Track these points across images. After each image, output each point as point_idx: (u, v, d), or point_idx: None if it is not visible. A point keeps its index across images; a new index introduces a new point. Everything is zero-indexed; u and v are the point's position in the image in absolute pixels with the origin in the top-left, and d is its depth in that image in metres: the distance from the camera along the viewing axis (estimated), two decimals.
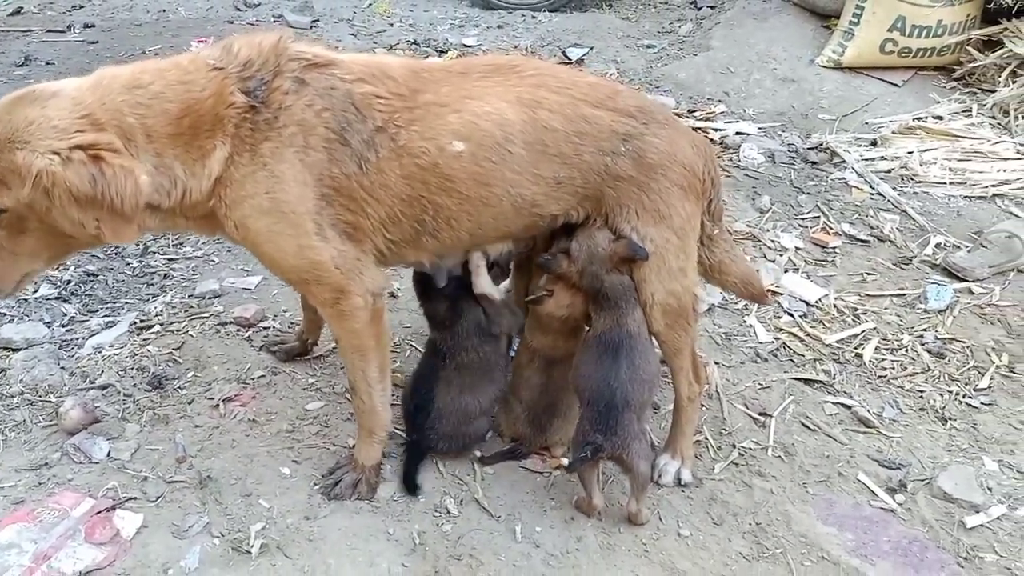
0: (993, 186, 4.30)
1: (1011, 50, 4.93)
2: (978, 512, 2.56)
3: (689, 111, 5.01)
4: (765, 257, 3.72)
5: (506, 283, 2.78)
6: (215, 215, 2.14)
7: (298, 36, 2.30)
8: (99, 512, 2.32)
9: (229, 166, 2.07)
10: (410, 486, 2.49)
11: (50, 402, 2.75)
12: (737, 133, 4.77)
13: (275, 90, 2.08)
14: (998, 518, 2.55)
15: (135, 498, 2.40)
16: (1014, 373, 3.13)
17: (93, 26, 6.37)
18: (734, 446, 2.75)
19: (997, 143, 4.60)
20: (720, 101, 5.16)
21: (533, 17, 6.54)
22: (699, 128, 4.70)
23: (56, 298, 3.32)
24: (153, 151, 2.00)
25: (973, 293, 3.54)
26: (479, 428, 2.61)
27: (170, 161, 2.03)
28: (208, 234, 2.29)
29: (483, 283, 2.55)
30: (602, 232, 2.40)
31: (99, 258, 3.60)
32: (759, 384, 3.03)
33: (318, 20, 6.44)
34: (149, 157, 2.01)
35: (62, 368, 2.91)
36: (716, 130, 4.79)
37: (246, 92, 2.06)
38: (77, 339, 3.09)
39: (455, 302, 2.56)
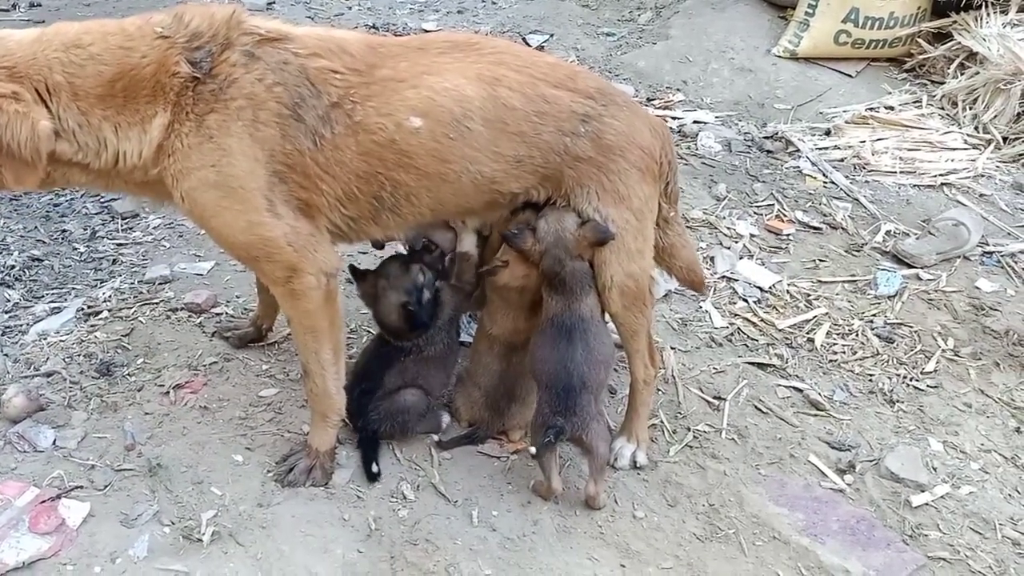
0: (941, 175, 4.39)
1: (959, 43, 5.02)
2: (923, 491, 2.64)
3: (648, 99, 5.03)
4: (721, 244, 3.76)
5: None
6: (163, 184, 2.12)
7: (254, 13, 2.26)
8: (44, 501, 2.26)
9: (171, 135, 2.06)
10: (369, 474, 2.47)
11: None
12: (695, 122, 4.79)
13: (222, 62, 2.06)
14: (942, 497, 2.63)
15: (82, 487, 2.35)
16: (959, 357, 3.22)
17: (39, 5, 6.17)
18: (689, 429, 2.79)
19: (945, 133, 4.70)
20: (678, 90, 5.19)
21: (494, 3, 6.50)
22: (657, 116, 4.72)
23: None
24: (77, 109, 2.02)
25: (921, 279, 3.62)
26: (419, 404, 2.57)
27: (97, 121, 2.04)
28: (159, 203, 2.30)
29: (468, 243, 2.63)
30: (570, 215, 2.40)
31: (45, 243, 3.50)
32: (714, 368, 3.07)
33: (274, 1, 6.32)
34: (72, 114, 2.02)
35: (5, 355, 2.83)
36: (674, 119, 4.81)
37: (192, 62, 2.04)
38: (21, 325, 3.01)
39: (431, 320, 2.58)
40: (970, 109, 4.80)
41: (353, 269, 2.67)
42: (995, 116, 4.68)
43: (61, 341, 2.89)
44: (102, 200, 3.76)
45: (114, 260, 3.40)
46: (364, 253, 3.45)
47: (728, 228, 3.87)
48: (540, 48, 5.59)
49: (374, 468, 2.47)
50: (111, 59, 2.03)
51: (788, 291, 3.50)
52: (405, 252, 2.69)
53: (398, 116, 2.16)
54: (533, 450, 2.38)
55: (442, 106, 2.18)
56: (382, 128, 2.15)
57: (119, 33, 2.07)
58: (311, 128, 2.11)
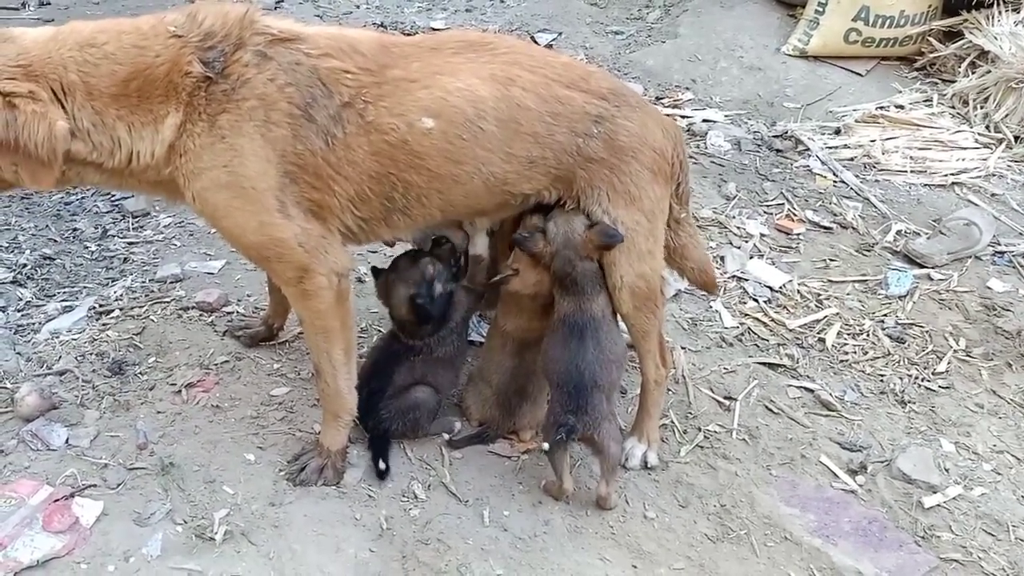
0: (952, 174, 4.37)
1: (971, 41, 4.99)
2: (935, 492, 2.63)
3: (657, 98, 5.02)
4: (731, 243, 3.75)
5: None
6: (176, 183, 2.12)
7: (266, 12, 2.26)
8: (57, 500, 2.27)
9: (183, 135, 2.06)
10: (377, 471, 2.48)
11: (5, 388, 2.67)
12: (704, 120, 4.78)
13: (234, 62, 2.06)
14: (954, 498, 2.62)
15: (95, 485, 2.36)
16: (971, 357, 3.21)
17: (49, 3, 6.18)
18: (700, 429, 2.78)
19: (956, 132, 4.68)
20: (687, 88, 5.17)
21: (502, 1, 6.50)
22: (667, 115, 4.71)
23: (11, 282, 3.23)
24: (92, 108, 2.02)
25: (932, 279, 3.61)
26: (430, 401, 2.57)
27: (111, 121, 2.04)
28: (172, 202, 2.30)
29: (480, 245, 2.62)
30: (579, 217, 2.40)
31: (56, 241, 3.51)
32: (724, 368, 3.06)
33: (283, 0, 6.32)
34: (87, 114, 2.02)
35: (18, 354, 2.84)
36: (683, 117, 4.80)
37: (204, 62, 2.04)
38: (33, 324, 3.01)
39: (443, 318, 2.58)
40: (981, 108, 4.77)
41: (375, 270, 2.68)
42: (1006, 115, 4.65)
43: (73, 340, 2.90)
44: (113, 199, 3.77)
45: (125, 259, 3.40)
46: (374, 252, 3.46)
47: (738, 227, 3.86)
48: (548, 47, 5.59)
49: (381, 465, 2.47)
50: (125, 58, 2.03)
51: (798, 291, 3.49)
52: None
53: (410, 117, 2.15)
54: (546, 446, 2.38)
55: (455, 107, 2.17)
56: (394, 129, 2.15)
57: (133, 32, 2.07)
58: (323, 128, 2.11)
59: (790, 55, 5.28)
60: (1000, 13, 4.96)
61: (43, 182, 2.04)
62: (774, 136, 4.66)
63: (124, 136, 2.06)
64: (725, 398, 2.93)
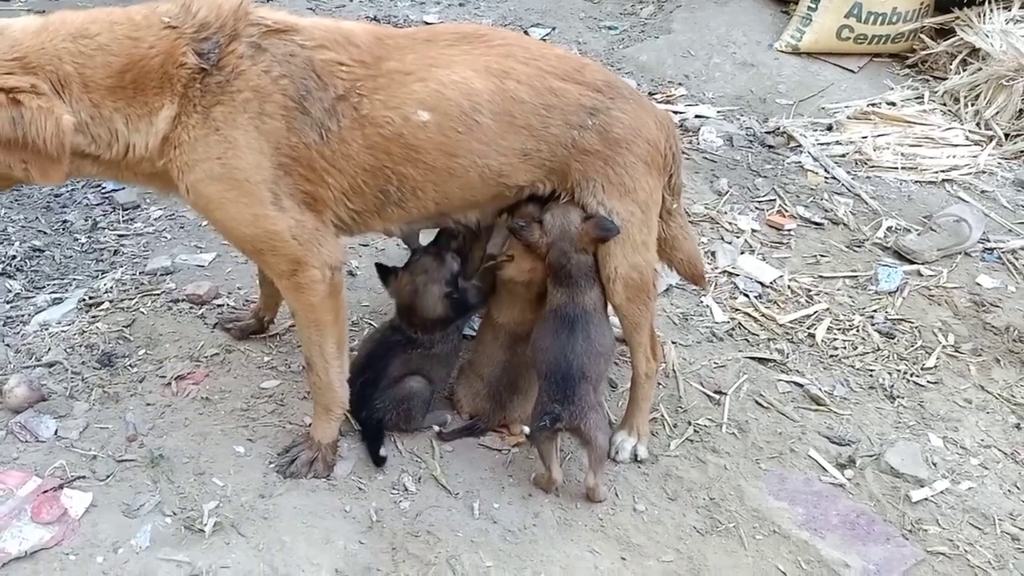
0: (943, 171, 4.40)
1: (962, 38, 5.02)
2: (923, 486, 2.64)
3: (650, 93, 5.02)
4: (722, 239, 3.76)
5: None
6: (170, 176, 2.11)
7: (259, 4, 2.25)
8: (46, 491, 2.26)
9: (177, 127, 2.05)
10: (376, 457, 2.48)
11: None
12: (696, 116, 4.79)
13: (229, 54, 2.05)
14: (942, 492, 2.64)
15: (84, 477, 2.35)
16: (959, 353, 3.23)
17: None
18: (689, 423, 2.79)
19: (947, 129, 4.70)
20: (680, 84, 5.17)
21: None
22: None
23: (0, 274, 3.21)
24: (89, 101, 2.00)
25: (922, 275, 3.63)
26: (423, 392, 2.57)
27: (108, 113, 2.02)
28: (166, 194, 2.28)
29: (497, 244, 2.62)
30: (575, 210, 2.40)
31: (46, 233, 3.50)
32: (714, 363, 3.07)
33: None
34: (84, 106, 2.00)
35: (7, 345, 2.82)
36: (676, 113, 4.80)
37: (199, 53, 2.03)
38: (23, 316, 3.00)
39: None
40: (972, 105, 4.79)
41: (380, 268, 2.66)
42: (997, 112, 4.68)
43: (63, 331, 2.89)
44: (103, 191, 3.76)
45: (115, 251, 3.39)
46: (365, 245, 3.45)
47: (729, 223, 3.87)
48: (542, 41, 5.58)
49: (382, 452, 2.47)
50: (120, 49, 2.01)
51: (789, 286, 3.50)
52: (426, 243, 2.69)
53: (405, 109, 2.15)
54: (527, 429, 2.38)
55: (450, 99, 2.17)
56: (389, 121, 2.15)
57: (126, 23, 2.04)
58: (317, 121, 2.11)
59: (783, 51, 5.30)
60: (991, 11, 4.99)
61: (53, 178, 2.00)
62: (766, 132, 4.67)
63: (121, 128, 2.04)
64: (715, 392, 2.94)
